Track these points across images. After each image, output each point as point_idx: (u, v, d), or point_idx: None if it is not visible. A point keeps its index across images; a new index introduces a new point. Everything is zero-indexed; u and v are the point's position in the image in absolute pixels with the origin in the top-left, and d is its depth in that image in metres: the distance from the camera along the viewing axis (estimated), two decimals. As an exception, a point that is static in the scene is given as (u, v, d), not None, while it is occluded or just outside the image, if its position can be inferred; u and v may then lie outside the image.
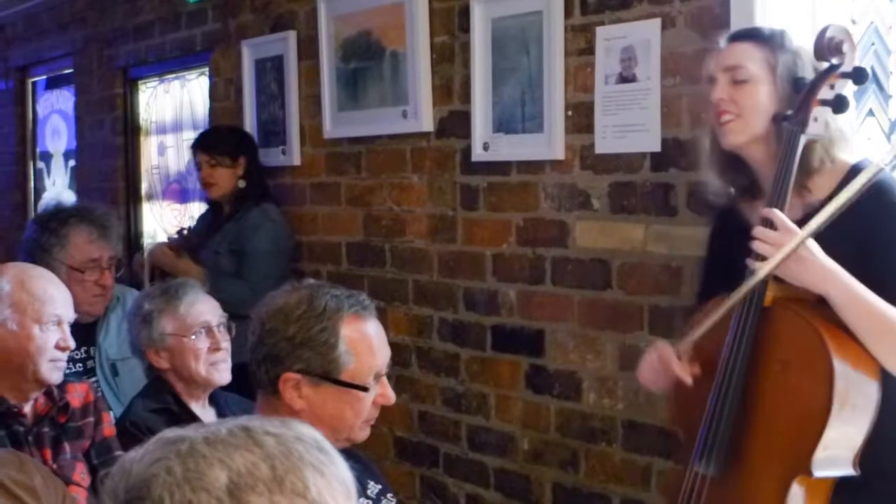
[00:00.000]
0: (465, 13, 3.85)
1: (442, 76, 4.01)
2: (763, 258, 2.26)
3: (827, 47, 2.32)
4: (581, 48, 3.47)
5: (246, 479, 1.07)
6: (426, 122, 4.06)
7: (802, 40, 2.53)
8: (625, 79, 3.31)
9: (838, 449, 2.19)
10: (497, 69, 3.75)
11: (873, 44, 3.02)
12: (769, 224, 2.27)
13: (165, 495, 1.05)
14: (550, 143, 3.55)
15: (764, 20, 2.95)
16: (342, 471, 1.14)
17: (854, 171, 2.34)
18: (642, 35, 3.26)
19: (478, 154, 3.84)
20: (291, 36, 4.75)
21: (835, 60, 2.33)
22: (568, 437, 3.60)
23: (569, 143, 3.52)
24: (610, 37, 3.36)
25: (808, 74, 2.42)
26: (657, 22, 3.22)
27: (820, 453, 2.16)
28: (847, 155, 2.40)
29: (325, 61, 4.53)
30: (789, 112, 2.38)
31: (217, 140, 4.70)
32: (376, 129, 4.32)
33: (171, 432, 1.13)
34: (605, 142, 3.39)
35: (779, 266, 2.24)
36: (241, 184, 4.58)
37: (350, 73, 4.42)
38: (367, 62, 4.33)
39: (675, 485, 2.50)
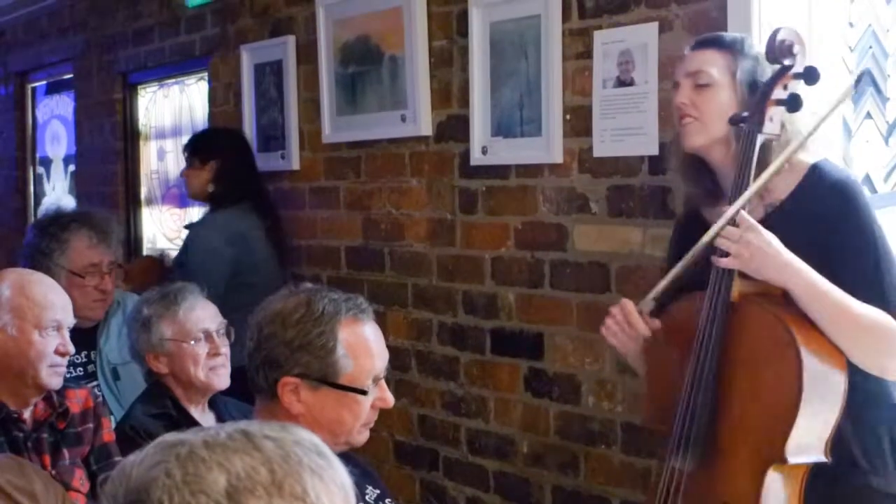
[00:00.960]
0: (463, 17, 3.85)
1: (440, 80, 4.02)
2: (725, 254, 2.34)
3: (778, 49, 2.40)
4: (579, 52, 3.47)
5: (245, 482, 1.07)
6: (425, 127, 4.07)
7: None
8: (623, 82, 3.32)
9: (809, 437, 2.26)
10: (495, 73, 3.75)
11: (871, 47, 3.03)
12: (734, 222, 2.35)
13: (165, 498, 1.06)
14: (549, 147, 3.56)
15: (760, 24, 2.96)
16: (341, 475, 1.15)
17: (814, 169, 2.43)
18: (640, 39, 3.27)
19: (476, 158, 3.84)
20: (290, 41, 4.76)
21: (787, 62, 2.41)
22: (567, 440, 3.60)
23: (567, 146, 3.53)
24: (608, 41, 3.36)
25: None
26: (654, 26, 3.23)
27: (793, 441, 2.22)
28: (806, 155, 2.46)
29: (323, 66, 4.53)
30: (745, 113, 2.45)
31: (193, 140, 4.71)
32: (375, 134, 4.32)
33: (170, 436, 1.14)
34: (604, 145, 3.40)
35: (739, 259, 2.32)
36: (210, 188, 4.53)
37: (349, 77, 4.43)
38: (365, 66, 4.34)
39: (656, 482, 2.54)
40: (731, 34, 2.67)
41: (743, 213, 2.34)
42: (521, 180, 3.71)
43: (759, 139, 2.39)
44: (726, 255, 2.33)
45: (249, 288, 4.08)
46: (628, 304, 2.57)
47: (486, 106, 3.79)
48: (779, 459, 2.24)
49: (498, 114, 3.76)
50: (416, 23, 4.03)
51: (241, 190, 4.54)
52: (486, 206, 3.86)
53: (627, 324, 2.56)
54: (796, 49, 2.40)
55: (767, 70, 2.47)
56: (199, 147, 4.59)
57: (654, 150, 3.24)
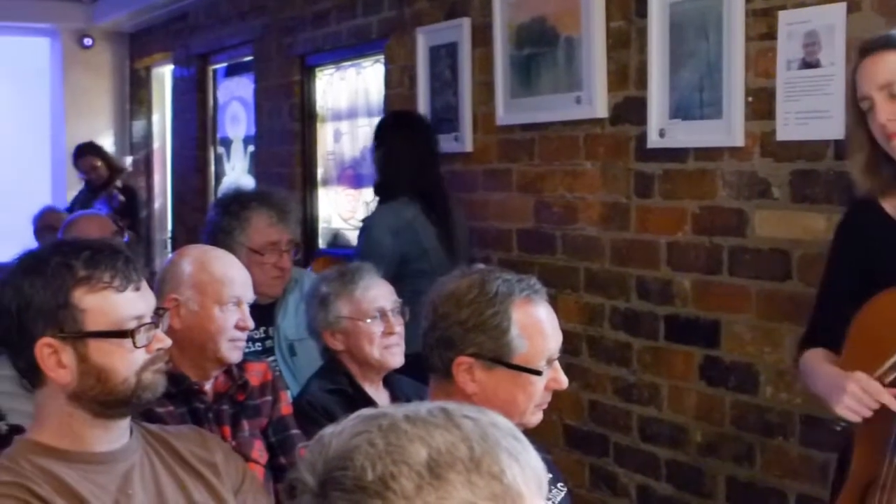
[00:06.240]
0: (642, -2, 3.80)
1: (617, 62, 3.97)
2: None
3: None
4: (762, 33, 3.38)
5: (445, 457, 1.10)
6: (600, 109, 4.02)
7: None
8: (808, 64, 3.22)
9: None
10: (674, 54, 3.68)
11: None
12: None
13: (367, 465, 1.09)
14: (729, 130, 3.48)
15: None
16: (535, 460, 1.17)
17: None
18: (826, 19, 3.16)
19: (653, 140, 3.78)
20: (465, 23, 4.76)
21: None
22: (743, 431, 3.52)
23: (749, 129, 3.44)
24: (792, 21, 3.27)
25: None
26: (842, 6, 3.12)
27: None
28: None
29: (498, 48, 4.52)
30: None
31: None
32: (549, 116, 4.29)
33: (369, 410, 1.17)
34: (787, 128, 3.30)
35: None
36: (378, 177, 4.52)
37: (523, 59, 4.41)
38: (540, 48, 4.31)
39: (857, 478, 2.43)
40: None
41: None
42: (699, 164, 3.64)
43: None
44: None
45: (423, 274, 4.06)
46: (872, 383, 2.31)
47: (665, 88, 3.72)
48: None
49: (676, 96, 3.69)
50: (593, 4, 3.99)
51: (404, 181, 4.39)
52: (663, 189, 3.79)
53: (873, 400, 2.31)
54: None
55: None
56: (374, 133, 4.62)
57: (841, 134, 3.13)
